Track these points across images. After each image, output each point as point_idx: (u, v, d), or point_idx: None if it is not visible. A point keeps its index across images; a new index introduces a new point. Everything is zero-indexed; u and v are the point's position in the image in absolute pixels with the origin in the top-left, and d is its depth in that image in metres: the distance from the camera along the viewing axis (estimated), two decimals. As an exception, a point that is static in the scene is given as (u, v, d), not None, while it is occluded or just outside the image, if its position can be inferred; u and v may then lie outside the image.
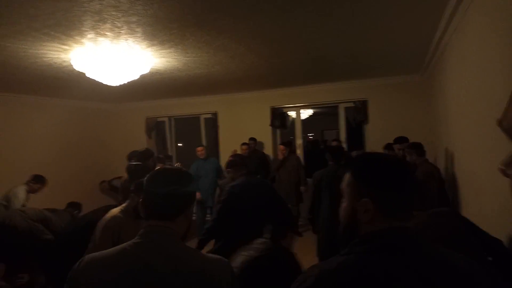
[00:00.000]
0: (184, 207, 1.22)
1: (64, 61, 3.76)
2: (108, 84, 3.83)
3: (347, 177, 1.01)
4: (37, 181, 4.68)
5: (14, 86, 5.20)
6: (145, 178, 1.24)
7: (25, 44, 3.19)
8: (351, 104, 6.26)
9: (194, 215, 6.06)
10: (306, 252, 3.74)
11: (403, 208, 0.93)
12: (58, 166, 6.48)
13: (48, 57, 3.64)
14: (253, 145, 6.41)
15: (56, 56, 3.60)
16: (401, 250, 0.87)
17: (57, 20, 2.62)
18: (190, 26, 2.90)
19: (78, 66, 3.57)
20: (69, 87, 5.32)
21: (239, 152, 5.91)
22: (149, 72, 4.34)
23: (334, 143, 5.70)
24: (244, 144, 6.19)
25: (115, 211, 2.52)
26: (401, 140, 4.57)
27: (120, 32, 2.92)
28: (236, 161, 3.43)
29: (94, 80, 3.82)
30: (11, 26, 2.72)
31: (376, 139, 6.05)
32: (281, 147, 5.93)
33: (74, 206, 4.79)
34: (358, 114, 6.13)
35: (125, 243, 1.15)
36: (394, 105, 5.92)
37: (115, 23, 2.72)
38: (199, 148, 6.07)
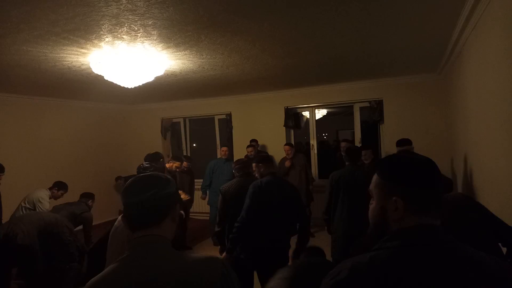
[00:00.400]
0: (167, 209, 1.17)
1: (82, 64, 3.85)
2: (125, 86, 3.90)
3: (374, 178, 1.04)
4: (60, 188, 4.77)
5: (35, 89, 5.36)
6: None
7: (45, 48, 3.28)
8: (366, 104, 6.20)
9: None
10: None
11: (431, 204, 0.95)
12: (77, 166, 6.63)
13: (68, 61, 3.73)
14: (256, 146, 6.41)
15: (75, 60, 3.69)
16: (428, 247, 0.89)
17: (76, 25, 2.69)
18: (205, 28, 2.93)
19: (96, 69, 3.65)
20: (87, 89, 5.44)
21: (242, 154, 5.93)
22: (165, 74, 4.40)
23: (343, 144, 5.58)
24: (249, 146, 6.16)
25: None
26: (404, 142, 4.41)
27: (137, 35, 2.97)
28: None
29: (111, 82, 3.89)
30: (32, 31, 2.81)
31: (391, 139, 5.96)
32: (286, 147, 5.94)
33: (87, 196, 4.85)
34: (374, 114, 6.07)
35: (116, 262, 1.11)
36: (410, 105, 5.84)
37: (131, 27, 2.77)
38: (224, 148, 6.04)
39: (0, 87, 5.08)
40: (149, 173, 1.33)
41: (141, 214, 1.14)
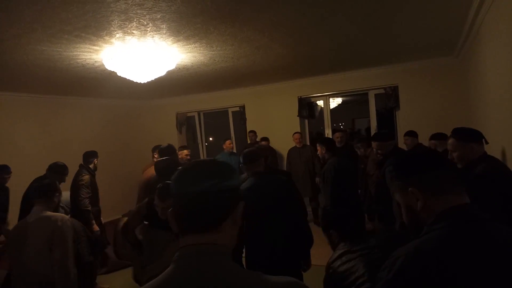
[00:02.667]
0: (229, 208, 0.88)
1: (96, 61, 3.91)
2: (138, 81, 3.95)
3: (388, 180, 1.14)
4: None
5: (51, 88, 5.49)
6: (172, 178, 0.92)
7: (59, 47, 3.35)
8: (382, 91, 6.09)
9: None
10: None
11: (444, 184, 1.00)
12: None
13: (81, 59, 3.80)
14: (254, 138, 6.39)
15: (88, 57, 3.75)
16: (467, 224, 0.94)
17: (87, 22, 2.73)
18: (213, 20, 2.93)
19: (109, 66, 3.70)
20: (102, 86, 5.54)
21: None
22: (177, 68, 4.43)
23: (337, 135, 5.35)
24: (263, 139, 6.16)
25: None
26: (438, 136, 4.33)
27: (146, 30, 3.00)
28: (250, 155, 3.44)
29: (125, 78, 3.95)
30: (45, 30, 2.86)
31: (408, 125, 5.84)
32: (297, 135, 5.94)
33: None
34: (389, 101, 5.96)
35: (162, 274, 0.85)
36: (427, 90, 5.70)
37: (141, 21, 2.79)
38: (228, 142, 6.04)
39: (17, 87, 5.22)
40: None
41: (193, 211, 0.86)
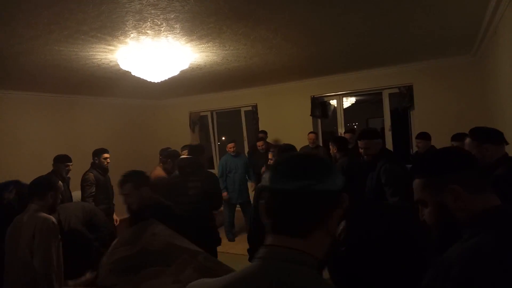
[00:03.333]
0: (324, 214, 0.79)
1: (111, 61, 3.98)
2: (151, 81, 4.00)
3: (417, 183, 1.02)
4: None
5: (68, 87, 5.60)
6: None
7: (76, 48, 3.42)
8: (396, 90, 6.01)
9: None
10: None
11: (482, 183, 0.97)
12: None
13: (97, 58, 3.86)
14: (265, 138, 6.28)
15: (104, 57, 3.82)
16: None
17: (102, 22, 2.78)
18: (226, 19, 2.94)
19: (124, 65, 3.76)
20: (117, 86, 5.63)
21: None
22: (190, 67, 4.46)
23: (348, 136, 5.22)
24: (259, 139, 6.06)
25: None
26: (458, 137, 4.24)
27: (160, 30, 3.03)
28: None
29: (139, 77, 4.00)
30: (62, 31, 2.93)
31: (423, 125, 5.77)
32: (312, 135, 5.85)
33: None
34: (403, 100, 5.88)
35: (247, 267, 0.78)
36: (442, 89, 5.60)
37: (155, 21, 2.82)
38: (231, 145, 5.87)
39: (35, 86, 5.34)
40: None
41: (283, 212, 0.78)
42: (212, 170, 6.68)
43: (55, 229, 2.40)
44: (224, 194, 5.55)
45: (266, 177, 0.83)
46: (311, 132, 5.96)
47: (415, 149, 5.92)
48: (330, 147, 3.77)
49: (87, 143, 6.56)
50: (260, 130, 6.56)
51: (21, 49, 3.32)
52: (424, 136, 4.51)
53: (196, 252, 1.69)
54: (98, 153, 4.58)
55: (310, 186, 0.76)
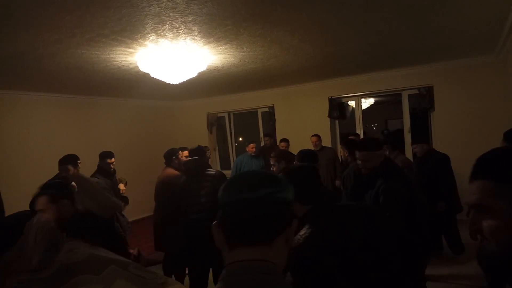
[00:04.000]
0: (284, 222, 0.81)
1: (130, 63, 4.06)
2: (169, 82, 4.05)
3: (481, 186, 0.79)
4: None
5: (89, 89, 5.75)
6: (223, 186, 0.86)
7: (97, 50, 3.51)
8: (416, 91, 5.90)
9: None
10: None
11: None
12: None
13: (117, 61, 3.95)
14: (269, 142, 6.21)
15: (124, 59, 3.90)
16: None
17: (122, 26, 2.84)
18: (243, 21, 2.96)
19: (143, 67, 3.83)
20: (137, 87, 5.73)
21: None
22: (207, 69, 4.50)
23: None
24: (252, 142, 6.00)
25: None
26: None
27: (178, 32, 3.07)
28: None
29: (158, 79, 4.07)
30: (84, 35, 3.01)
31: (444, 127, 5.65)
32: (313, 138, 5.58)
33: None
34: (423, 101, 5.76)
35: None
36: (464, 90, 5.45)
37: (173, 24, 2.87)
38: (252, 145, 5.83)
39: (57, 88, 5.51)
40: (260, 170, 0.94)
41: (248, 219, 0.78)
42: (228, 171, 6.74)
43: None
44: None
45: (223, 193, 0.83)
46: (313, 135, 5.70)
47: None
48: (341, 150, 3.61)
49: (107, 143, 6.70)
50: (282, 138, 6.21)
51: (45, 52, 3.42)
52: (419, 140, 4.22)
53: (125, 262, 1.53)
54: (102, 157, 4.41)
55: (273, 194, 0.79)
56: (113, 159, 4.37)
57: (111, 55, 3.72)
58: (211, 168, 3.44)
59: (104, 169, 4.30)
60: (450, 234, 4.12)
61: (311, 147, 6.15)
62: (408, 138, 6.11)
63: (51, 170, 5.73)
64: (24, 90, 5.41)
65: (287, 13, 2.84)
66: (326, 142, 6.71)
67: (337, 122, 6.90)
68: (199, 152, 3.77)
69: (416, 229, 2.26)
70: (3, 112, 5.35)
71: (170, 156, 4.18)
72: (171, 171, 3.99)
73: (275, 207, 0.79)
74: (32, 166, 5.42)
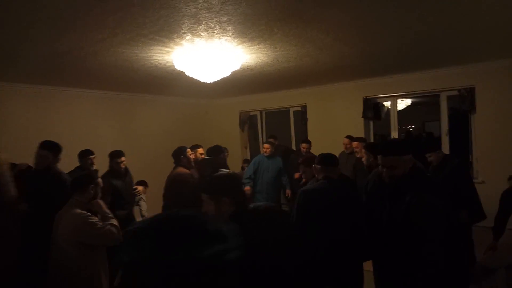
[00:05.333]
0: None
1: (167, 62, 4.20)
2: (204, 81, 4.15)
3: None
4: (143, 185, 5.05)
5: (128, 86, 6.00)
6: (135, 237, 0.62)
7: (136, 49, 3.67)
8: (455, 93, 5.65)
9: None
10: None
11: None
12: (164, 157, 7.24)
13: (154, 59, 4.10)
14: (275, 143, 5.84)
15: (161, 58, 4.04)
16: None
17: (160, 26, 2.96)
18: (277, 21, 2.98)
19: (179, 66, 3.95)
20: (173, 85, 5.91)
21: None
22: (241, 68, 4.56)
23: (355, 145, 4.68)
24: (266, 142, 5.69)
25: None
26: None
27: (214, 32, 3.15)
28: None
29: (192, 78, 4.18)
30: (125, 35, 3.16)
31: (485, 130, 5.38)
32: (345, 140, 5.19)
33: (141, 183, 5.03)
34: (464, 103, 5.51)
35: None
36: (508, 92, 5.15)
37: (208, 24, 2.94)
38: (266, 145, 5.52)
39: (100, 85, 5.80)
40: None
41: None
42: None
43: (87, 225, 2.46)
44: (247, 188, 5.30)
45: (131, 248, 0.57)
46: (345, 137, 5.34)
47: (475, 156, 5.54)
48: (364, 155, 3.25)
49: (142, 139, 6.99)
50: (304, 139, 5.97)
51: (89, 51, 3.63)
52: (434, 148, 3.91)
53: None
54: (111, 157, 4.13)
55: (225, 254, 0.54)
56: (122, 158, 4.11)
57: (149, 54, 3.87)
58: (225, 168, 3.24)
59: (114, 169, 4.06)
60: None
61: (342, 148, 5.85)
62: (446, 141, 5.88)
63: (95, 162, 6.03)
64: (69, 87, 5.74)
65: (321, 11, 2.83)
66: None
67: (371, 123, 6.75)
68: (213, 152, 3.71)
69: (455, 250, 2.03)
70: (50, 107, 5.71)
71: (178, 155, 4.07)
72: (182, 170, 3.92)
73: (227, 269, 0.56)
74: (68, 159, 5.72)
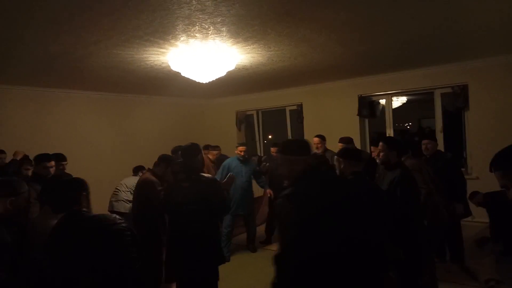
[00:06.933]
0: None
1: (162, 62, 4.23)
2: (199, 81, 4.18)
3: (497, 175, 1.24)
4: (137, 172, 5.05)
5: (124, 87, 6.03)
6: None
7: (131, 51, 3.70)
8: (449, 90, 5.71)
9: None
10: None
11: None
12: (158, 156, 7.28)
13: (150, 60, 4.14)
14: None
15: (156, 59, 4.08)
16: None
17: (155, 28, 2.99)
18: (270, 21, 3.02)
19: (174, 67, 3.99)
20: (168, 86, 5.94)
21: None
22: (236, 68, 4.60)
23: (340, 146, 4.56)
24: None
25: None
26: None
27: (208, 33, 3.19)
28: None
29: (188, 78, 4.21)
30: (120, 36, 3.19)
31: (479, 127, 5.44)
32: (316, 139, 4.92)
33: (139, 168, 5.05)
34: (457, 100, 5.57)
35: None
36: (501, 89, 5.21)
37: (202, 25, 2.98)
38: (241, 148, 4.99)
39: (95, 86, 5.82)
40: None
41: None
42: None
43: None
44: (268, 191, 5.05)
45: None
46: (316, 136, 5.10)
47: (469, 152, 5.61)
48: (336, 162, 2.87)
49: (140, 140, 7.01)
50: (317, 134, 5.30)
51: (84, 52, 3.66)
52: (433, 137, 4.10)
53: None
54: (36, 161, 3.57)
55: None
56: (52, 163, 3.62)
57: (144, 55, 3.90)
58: (199, 171, 2.82)
59: (39, 174, 3.54)
60: (453, 239, 3.88)
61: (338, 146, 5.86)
62: (440, 137, 5.94)
63: (90, 164, 6.08)
64: (65, 88, 5.76)
65: (313, 11, 2.87)
66: (356, 141, 6.63)
67: (367, 121, 6.81)
68: (188, 154, 2.85)
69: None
70: (47, 109, 5.73)
71: (162, 161, 3.83)
72: (147, 176, 3.68)
73: None
74: (71, 160, 5.75)
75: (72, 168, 4.31)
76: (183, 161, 2.82)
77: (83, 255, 1.58)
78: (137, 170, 5.16)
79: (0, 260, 1.81)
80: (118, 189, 4.82)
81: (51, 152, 4.02)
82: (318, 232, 1.59)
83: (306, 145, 1.93)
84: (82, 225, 1.69)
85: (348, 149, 2.75)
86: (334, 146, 5.45)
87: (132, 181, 4.95)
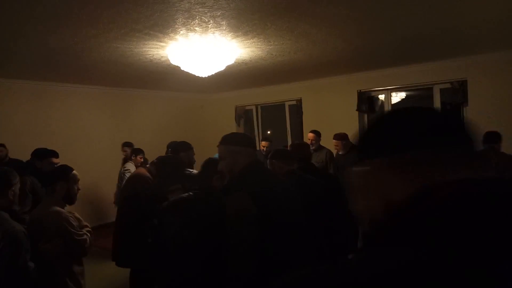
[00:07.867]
0: None
1: (162, 56, 4.22)
2: (199, 75, 4.18)
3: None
4: (137, 154, 5.07)
5: (124, 81, 6.01)
6: None
7: (130, 44, 3.69)
8: (448, 85, 5.72)
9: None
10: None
11: None
12: (159, 151, 7.28)
13: (149, 54, 4.13)
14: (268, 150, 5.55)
15: (156, 53, 4.07)
16: None
17: (154, 21, 2.98)
18: (270, 15, 3.02)
19: (174, 60, 3.98)
20: (167, 80, 5.94)
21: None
22: (236, 62, 4.59)
23: (310, 135, 4.79)
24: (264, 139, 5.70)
25: None
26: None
27: (207, 27, 3.18)
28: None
29: (188, 72, 4.21)
30: (119, 30, 3.18)
31: (477, 122, 5.44)
32: (311, 135, 4.84)
33: (138, 151, 5.05)
34: (456, 96, 5.58)
35: None
36: (501, 85, 5.22)
37: (202, 19, 2.97)
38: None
39: (95, 81, 5.81)
40: None
41: None
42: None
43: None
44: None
45: None
46: (311, 131, 4.96)
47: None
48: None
49: (139, 134, 7.01)
50: (312, 130, 5.23)
51: (83, 46, 3.64)
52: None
53: None
54: (38, 156, 3.73)
55: None
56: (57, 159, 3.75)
57: (144, 49, 3.90)
58: (190, 168, 2.81)
59: (37, 170, 3.67)
60: None
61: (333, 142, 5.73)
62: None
63: (89, 158, 6.09)
64: (64, 82, 5.75)
65: (313, 6, 2.86)
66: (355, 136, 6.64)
67: (366, 116, 6.81)
68: (178, 148, 3.10)
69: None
70: (46, 103, 5.72)
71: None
72: (140, 171, 3.69)
73: None
74: (66, 155, 5.76)
75: (71, 162, 4.31)
76: (170, 156, 2.73)
77: None
78: (134, 152, 5.05)
79: (26, 249, 1.87)
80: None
81: (49, 147, 4.05)
82: (280, 225, 1.59)
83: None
84: None
85: (278, 150, 2.83)
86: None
87: (124, 167, 4.95)
